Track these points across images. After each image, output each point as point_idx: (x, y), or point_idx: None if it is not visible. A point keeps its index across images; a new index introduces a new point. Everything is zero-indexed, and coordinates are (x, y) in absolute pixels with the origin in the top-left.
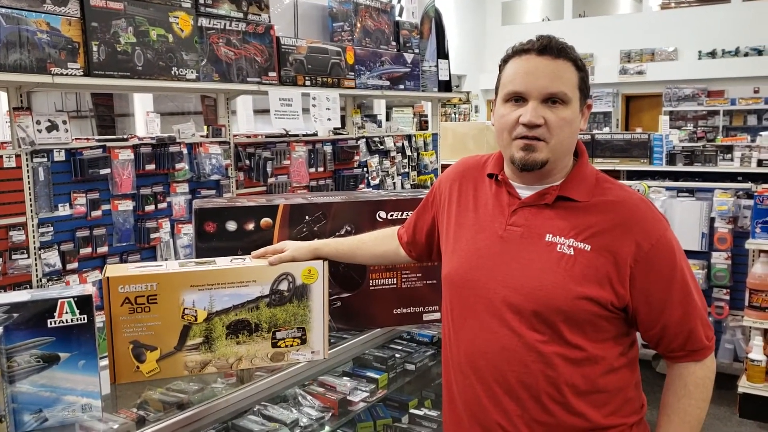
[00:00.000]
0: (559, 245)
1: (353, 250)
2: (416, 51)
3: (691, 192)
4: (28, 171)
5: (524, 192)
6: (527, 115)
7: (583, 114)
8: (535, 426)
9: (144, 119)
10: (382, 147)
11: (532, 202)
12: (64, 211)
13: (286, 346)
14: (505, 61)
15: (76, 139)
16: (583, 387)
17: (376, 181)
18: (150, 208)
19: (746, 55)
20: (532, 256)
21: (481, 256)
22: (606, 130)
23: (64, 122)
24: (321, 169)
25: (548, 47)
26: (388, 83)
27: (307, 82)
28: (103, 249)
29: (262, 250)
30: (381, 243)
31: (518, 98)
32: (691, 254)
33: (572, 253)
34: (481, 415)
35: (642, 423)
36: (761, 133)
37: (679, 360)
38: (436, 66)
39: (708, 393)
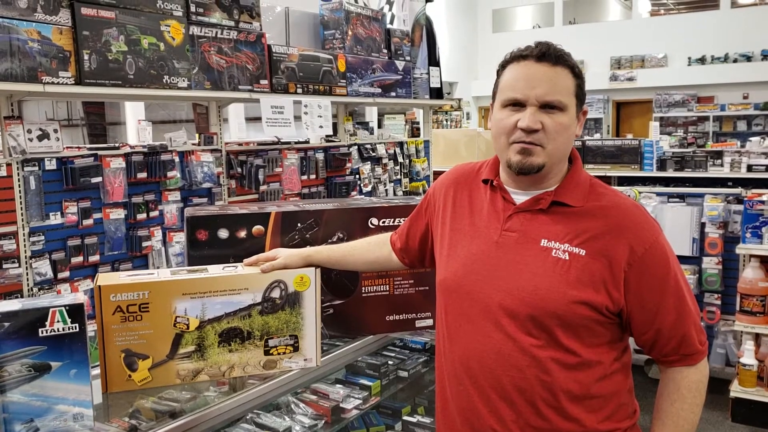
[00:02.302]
0: (554, 250)
1: (345, 256)
2: (407, 58)
3: (682, 197)
4: (18, 180)
5: (519, 197)
6: (525, 120)
7: (579, 120)
8: (529, 431)
9: (136, 127)
10: (374, 154)
11: (527, 208)
12: (55, 219)
13: (279, 354)
14: (503, 66)
15: (68, 147)
16: (578, 392)
17: (368, 188)
18: (142, 216)
19: (735, 61)
20: (527, 261)
21: (476, 261)
22: (597, 136)
23: (55, 131)
24: (313, 176)
25: (546, 54)
26: (379, 91)
27: (299, 90)
28: (95, 258)
29: (254, 257)
30: (373, 249)
31: (516, 104)
32: (682, 259)
33: (567, 257)
34: (476, 421)
35: (635, 428)
36: (751, 138)
37: (672, 364)
38: (428, 73)
39: (701, 397)
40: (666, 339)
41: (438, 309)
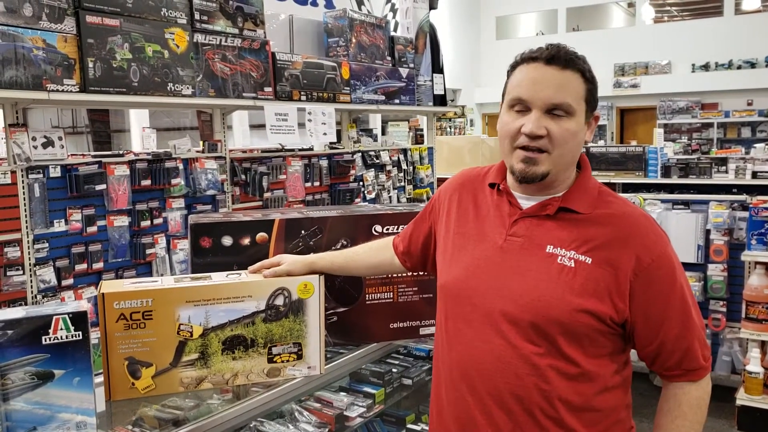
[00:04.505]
0: (559, 257)
1: (348, 261)
2: (411, 66)
3: (687, 204)
4: (23, 187)
5: (525, 202)
6: (529, 125)
7: (590, 126)
8: None
9: (140, 135)
10: (377, 161)
11: (534, 213)
12: (59, 227)
13: (282, 362)
14: (513, 67)
15: (72, 155)
16: (577, 403)
17: (372, 195)
18: (146, 223)
19: (739, 68)
20: (531, 267)
21: (479, 266)
22: (601, 143)
23: (60, 138)
24: (317, 183)
25: (556, 57)
26: (383, 98)
27: (303, 97)
28: (99, 265)
29: (258, 264)
30: (376, 254)
31: (522, 106)
32: (687, 266)
33: (573, 265)
34: (472, 428)
35: None
36: (755, 145)
37: (674, 379)
38: (431, 80)
39: (702, 415)
40: (669, 352)
41: (438, 313)
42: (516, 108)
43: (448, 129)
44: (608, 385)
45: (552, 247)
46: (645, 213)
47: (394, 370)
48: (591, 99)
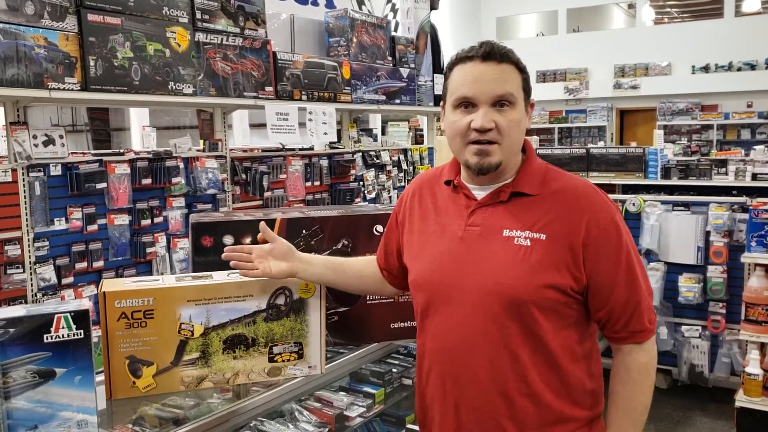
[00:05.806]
0: (516, 238)
1: (340, 267)
2: (412, 66)
3: (687, 206)
4: (24, 185)
5: (479, 193)
6: (479, 120)
7: (528, 113)
8: (500, 419)
9: (140, 133)
10: (378, 161)
11: (488, 202)
12: (60, 225)
13: (283, 361)
14: (450, 68)
15: (72, 153)
16: (548, 377)
17: (372, 195)
18: (146, 222)
19: (739, 69)
20: (491, 252)
21: (443, 258)
22: (601, 144)
23: (61, 137)
24: (317, 183)
25: (491, 53)
26: (383, 98)
27: (304, 97)
28: (99, 263)
29: (246, 248)
30: (365, 266)
31: (468, 104)
32: (686, 268)
33: (529, 244)
34: (451, 412)
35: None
36: (755, 146)
37: (622, 341)
38: (432, 80)
39: (651, 379)
40: (618, 316)
41: (414, 308)
42: (462, 106)
43: None
44: (578, 355)
45: (508, 230)
46: (591, 184)
47: (394, 370)
48: (527, 87)
